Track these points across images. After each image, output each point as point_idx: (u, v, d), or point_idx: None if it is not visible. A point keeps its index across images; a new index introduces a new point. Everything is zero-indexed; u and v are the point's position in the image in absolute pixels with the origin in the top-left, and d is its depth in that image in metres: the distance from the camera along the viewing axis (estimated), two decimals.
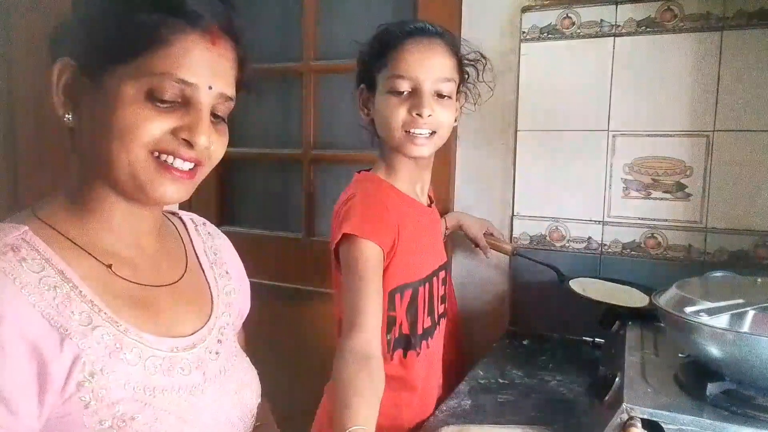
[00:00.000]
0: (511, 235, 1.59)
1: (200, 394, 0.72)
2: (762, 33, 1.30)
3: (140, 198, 0.68)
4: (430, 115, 1.05)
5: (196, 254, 0.84)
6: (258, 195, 2.16)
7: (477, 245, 1.55)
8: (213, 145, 0.68)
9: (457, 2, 1.61)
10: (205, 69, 0.66)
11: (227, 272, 0.87)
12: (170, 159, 0.66)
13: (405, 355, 1.13)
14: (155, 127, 0.64)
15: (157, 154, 0.65)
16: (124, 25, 0.64)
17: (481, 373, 1.30)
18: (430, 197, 1.26)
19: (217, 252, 0.88)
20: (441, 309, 1.23)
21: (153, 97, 0.64)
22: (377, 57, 1.08)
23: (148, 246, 0.76)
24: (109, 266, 0.69)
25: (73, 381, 0.62)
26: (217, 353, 0.77)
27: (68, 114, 0.67)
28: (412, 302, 1.13)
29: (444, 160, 1.59)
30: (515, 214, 1.58)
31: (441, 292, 1.23)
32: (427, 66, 1.05)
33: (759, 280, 1.05)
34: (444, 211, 1.58)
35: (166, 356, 0.70)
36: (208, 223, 0.92)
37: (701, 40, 1.35)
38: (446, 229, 1.51)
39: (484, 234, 1.55)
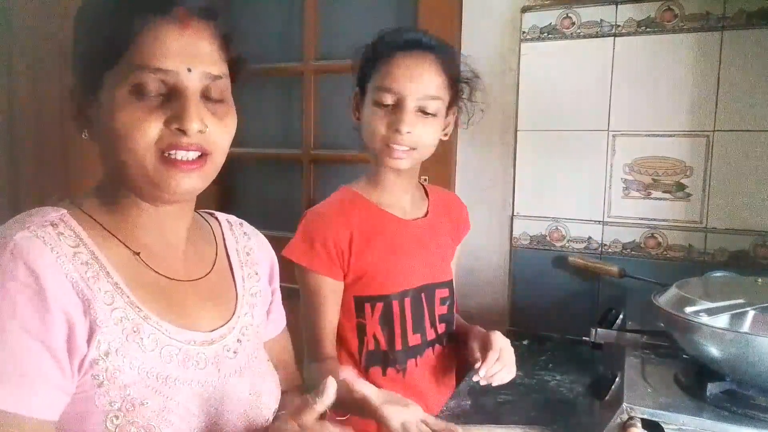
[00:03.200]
0: (511, 235, 1.59)
1: (213, 390, 0.72)
2: (762, 33, 1.30)
3: (158, 195, 0.69)
4: (409, 132, 1.03)
5: (227, 254, 0.85)
6: (258, 195, 2.16)
7: None
8: (210, 128, 0.67)
9: (457, 2, 1.61)
10: (181, 53, 0.65)
11: (256, 273, 0.87)
12: (174, 153, 0.66)
13: (384, 373, 1.10)
14: (150, 125, 0.64)
15: (161, 151, 0.65)
16: (100, 34, 0.66)
17: None
18: (428, 210, 1.18)
19: (250, 252, 0.89)
20: (441, 329, 1.15)
21: (139, 94, 0.64)
22: (369, 65, 1.07)
23: (176, 243, 0.77)
24: (138, 254, 0.71)
25: (89, 357, 0.63)
26: (235, 352, 0.77)
27: (84, 131, 0.71)
28: (385, 316, 1.09)
29: (444, 160, 1.59)
30: (515, 214, 1.58)
31: (441, 311, 1.16)
32: (414, 82, 1.02)
33: (759, 280, 1.05)
34: None
35: (183, 347, 0.70)
36: (245, 224, 0.93)
37: (701, 40, 1.35)
38: None
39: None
